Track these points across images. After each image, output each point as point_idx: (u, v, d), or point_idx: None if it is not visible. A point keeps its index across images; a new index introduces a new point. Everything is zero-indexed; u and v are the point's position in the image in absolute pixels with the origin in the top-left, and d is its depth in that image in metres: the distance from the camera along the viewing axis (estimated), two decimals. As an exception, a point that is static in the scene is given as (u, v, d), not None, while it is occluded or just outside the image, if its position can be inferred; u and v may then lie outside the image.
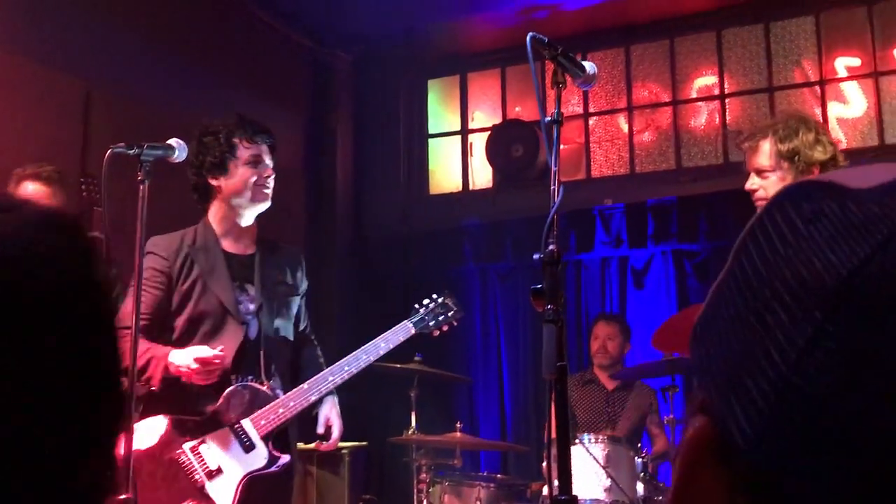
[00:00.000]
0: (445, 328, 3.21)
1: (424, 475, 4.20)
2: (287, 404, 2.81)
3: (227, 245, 2.95)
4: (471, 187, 6.52)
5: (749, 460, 0.45)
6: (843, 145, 5.28)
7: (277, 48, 6.06)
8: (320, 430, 2.96)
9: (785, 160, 2.80)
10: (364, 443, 4.82)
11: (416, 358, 4.35)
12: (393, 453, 4.89)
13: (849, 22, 5.74)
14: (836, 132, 5.58)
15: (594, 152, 6.24)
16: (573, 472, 3.89)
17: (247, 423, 2.76)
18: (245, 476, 2.71)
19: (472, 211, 6.28)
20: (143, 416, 2.75)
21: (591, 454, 3.94)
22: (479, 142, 6.45)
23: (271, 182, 2.97)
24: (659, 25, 6.07)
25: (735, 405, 0.46)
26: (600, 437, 4.12)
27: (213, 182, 2.88)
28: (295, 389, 2.85)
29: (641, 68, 6.19)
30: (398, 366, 4.32)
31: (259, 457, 2.75)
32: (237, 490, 2.69)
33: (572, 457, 3.92)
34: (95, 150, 4.41)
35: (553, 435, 1.96)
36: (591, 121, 6.29)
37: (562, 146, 6.86)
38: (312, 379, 2.87)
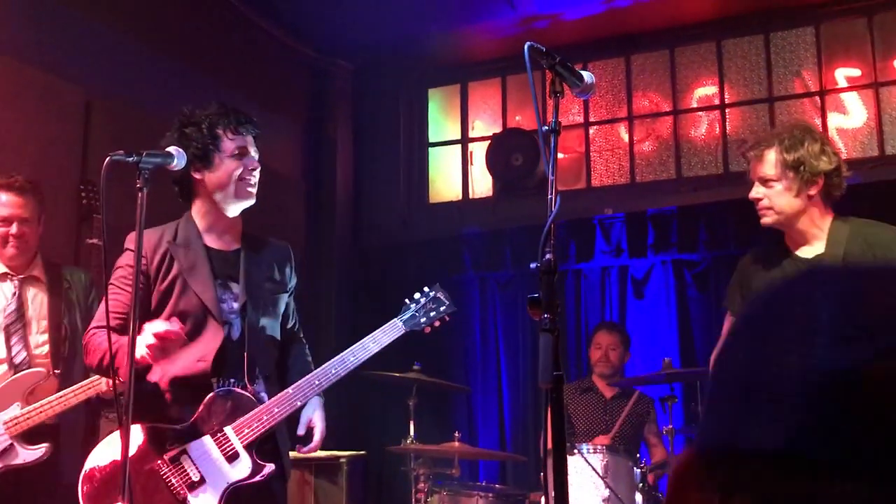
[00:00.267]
0: (438, 324, 3.00)
1: (422, 484, 4.18)
2: (271, 411, 2.65)
3: (210, 241, 2.80)
4: (471, 196, 6.53)
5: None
6: (844, 156, 5.28)
7: (278, 57, 6.07)
8: (301, 430, 2.81)
9: (790, 170, 2.80)
10: (362, 452, 4.81)
11: (415, 367, 4.34)
12: (391, 462, 4.88)
13: (849, 33, 5.75)
14: (836, 143, 5.58)
15: (594, 162, 6.24)
16: (572, 482, 3.89)
17: (229, 432, 2.62)
18: (228, 487, 2.59)
19: (471, 219, 6.28)
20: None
21: (589, 464, 3.92)
22: (479, 151, 6.46)
23: (257, 175, 2.81)
24: (659, 35, 6.09)
25: (763, 414, 0.47)
26: (599, 447, 4.10)
27: (196, 175, 2.72)
28: (279, 395, 2.69)
29: (642, 78, 6.20)
30: (397, 374, 4.32)
31: (243, 466, 2.61)
32: (221, 502, 2.57)
33: (571, 467, 3.93)
34: (95, 156, 4.42)
35: (550, 445, 1.95)
36: (592, 130, 6.29)
37: (562, 155, 6.90)
38: (297, 384, 2.71)
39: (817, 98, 5.78)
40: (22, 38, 4.28)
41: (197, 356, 2.63)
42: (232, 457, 2.60)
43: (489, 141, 6.28)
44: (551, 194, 1.92)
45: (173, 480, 2.56)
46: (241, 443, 2.62)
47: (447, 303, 3.03)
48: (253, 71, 5.81)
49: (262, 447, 2.68)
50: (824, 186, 2.83)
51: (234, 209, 2.79)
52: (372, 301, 5.86)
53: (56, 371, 3.39)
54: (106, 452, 2.59)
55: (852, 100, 5.72)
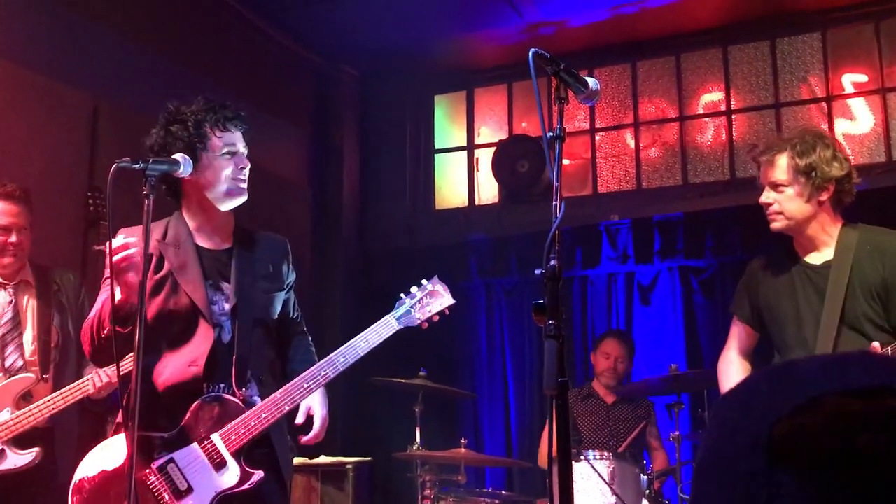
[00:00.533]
0: (436, 318, 2.83)
1: (429, 491, 4.18)
2: (258, 416, 2.55)
3: (201, 240, 2.70)
4: (476, 202, 6.53)
5: None
6: (851, 161, 5.27)
7: (284, 63, 6.09)
8: (300, 419, 2.71)
9: (802, 175, 2.79)
10: (368, 458, 4.80)
11: (421, 373, 4.34)
12: (397, 469, 4.87)
13: (855, 38, 5.74)
14: (844, 148, 5.56)
15: (601, 168, 6.24)
16: (579, 488, 3.88)
17: (216, 439, 2.53)
18: (216, 496, 2.51)
19: (477, 226, 6.28)
20: (113, 432, 2.57)
21: (595, 471, 3.91)
22: (485, 157, 6.46)
23: (247, 173, 2.68)
24: (665, 41, 6.09)
25: None
26: (605, 453, 4.09)
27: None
28: (267, 399, 2.58)
29: (648, 84, 6.20)
30: (403, 381, 4.32)
31: (231, 474, 2.53)
32: None
33: (578, 473, 3.92)
34: (102, 163, 4.43)
35: (555, 452, 1.95)
36: (598, 136, 6.29)
37: (568, 162, 6.89)
38: (285, 387, 2.60)
39: (824, 104, 5.77)
40: (29, 44, 4.30)
41: (188, 360, 2.56)
42: (220, 465, 2.53)
43: (495, 147, 6.29)
44: (556, 200, 1.92)
45: (160, 490, 2.49)
46: (229, 450, 2.54)
47: (445, 295, 2.87)
48: (259, 77, 5.83)
49: (257, 452, 2.60)
50: (834, 192, 2.82)
51: (224, 207, 2.69)
52: (377, 307, 5.85)
53: (45, 376, 3.39)
54: (94, 463, 2.54)
55: (859, 105, 5.71)
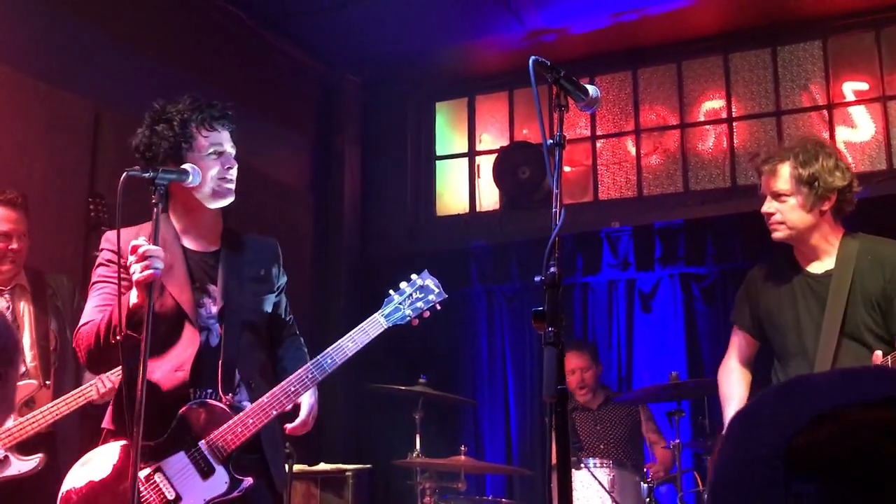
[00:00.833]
0: (427, 315, 2.73)
1: (428, 498, 4.17)
2: (245, 422, 2.49)
3: (189, 242, 2.64)
4: (478, 209, 6.53)
5: None
6: (852, 169, 5.27)
7: (287, 70, 6.11)
8: (286, 406, 2.60)
9: (804, 185, 2.79)
10: (368, 465, 4.79)
11: (421, 380, 4.34)
12: (397, 476, 4.86)
13: (856, 47, 5.75)
14: (845, 156, 5.57)
15: (601, 175, 6.25)
16: (579, 496, 3.87)
17: (204, 446, 2.48)
18: None
19: (478, 233, 6.29)
20: (102, 441, 2.52)
21: (596, 479, 3.91)
22: (486, 164, 6.47)
23: (234, 174, 2.62)
24: (666, 49, 6.10)
25: None
26: (605, 461, 4.09)
27: None
28: (254, 404, 2.52)
29: (649, 91, 6.21)
30: (403, 388, 4.31)
31: (219, 482, 2.47)
32: None
33: (578, 481, 3.91)
34: (104, 169, 4.45)
35: (554, 460, 1.95)
36: (599, 143, 6.30)
37: (569, 168, 6.88)
38: (272, 392, 2.53)
39: (825, 112, 5.77)
40: (32, 50, 4.31)
41: (174, 366, 2.51)
42: (207, 472, 2.47)
43: (496, 154, 6.29)
44: (556, 207, 1.92)
45: (148, 499, 2.44)
46: (216, 457, 2.48)
47: (436, 290, 2.75)
48: (262, 84, 5.84)
49: (246, 458, 2.55)
50: (836, 202, 2.82)
51: (211, 208, 2.63)
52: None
53: (47, 382, 3.39)
54: (81, 474, 2.49)
55: (860, 113, 5.71)
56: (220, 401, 2.53)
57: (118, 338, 2.35)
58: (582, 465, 4.02)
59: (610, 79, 6.28)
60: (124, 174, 2.33)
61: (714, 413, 3.84)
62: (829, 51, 5.79)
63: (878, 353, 2.64)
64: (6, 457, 3.18)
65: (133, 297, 2.34)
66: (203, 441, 2.49)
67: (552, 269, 1.87)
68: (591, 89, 2.16)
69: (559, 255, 1.90)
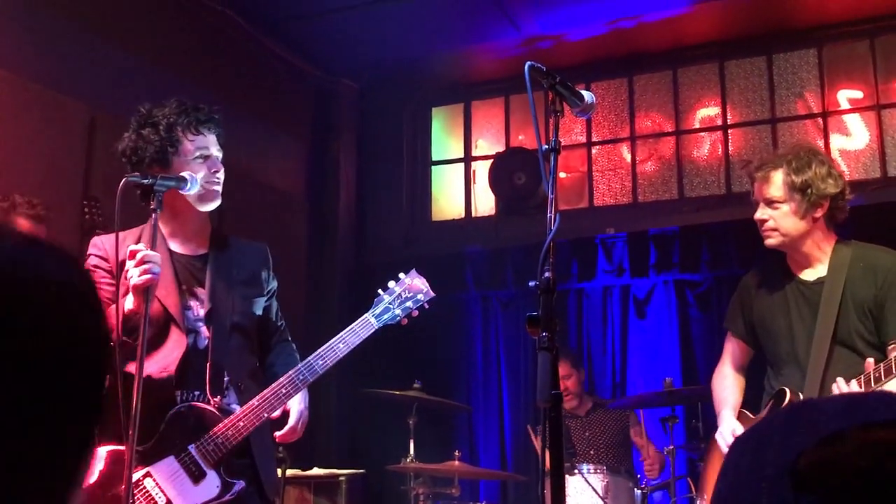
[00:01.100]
0: (416, 314, 2.72)
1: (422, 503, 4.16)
2: (236, 425, 2.46)
3: (176, 246, 2.63)
4: (473, 214, 6.54)
5: None
6: (847, 177, 5.28)
7: (283, 75, 6.11)
8: (275, 413, 2.58)
9: (797, 192, 2.80)
10: (361, 470, 4.78)
11: (416, 385, 4.33)
12: (391, 481, 4.85)
13: (851, 55, 5.78)
14: (839, 164, 5.59)
15: (597, 181, 6.26)
16: (573, 502, 3.86)
17: (193, 450, 2.45)
18: None
19: (474, 238, 6.29)
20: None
21: (589, 485, 3.90)
22: (482, 169, 6.48)
23: (220, 177, 2.59)
24: (662, 56, 6.12)
25: None
26: (599, 467, 4.09)
27: None
28: (244, 407, 2.50)
29: (644, 98, 6.23)
30: (397, 393, 4.31)
31: (210, 486, 2.44)
32: None
33: (571, 487, 3.91)
34: (98, 172, 4.44)
35: (548, 465, 1.95)
36: (594, 150, 6.31)
37: (564, 175, 6.88)
38: (262, 394, 2.51)
39: (820, 119, 5.79)
40: (27, 54, 4.31)
41: (160, 367, 2.48)
42: (198, 476, 2.44)
43: (492, 160, 6.30)
44: (551, 213, 1.93)
45: None
46: (207, 461, 2.45)
47: (425, 289, 2.75)
48: (258, 89, 5.84)
49: (237, 463, 2.53)
50: (828, 209, 2.83)
51: (198, 212, 2.62)
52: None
53: None
54: None
55: (855, 121, 5.73)
56: (209, 403, 2.51)
57: (112, 344, 2.33)
58: (576, 471, 4.02)
59: (606, 85, 6.30)
60: (124, 180, 2.34)
61: (708, 418, 3.84)
62: (823, 59, 5.81)
63: (870, 360, 2.65)
64: None
65: (129, 302, 2.34)
66: (193, 445, 2.46)
67: (547, 275, 1.87)
68: (587, 95, 2.17)
69: (554, 260, 1.90)
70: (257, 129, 5.75)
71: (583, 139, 6.32)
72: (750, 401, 3.11)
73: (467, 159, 6.65)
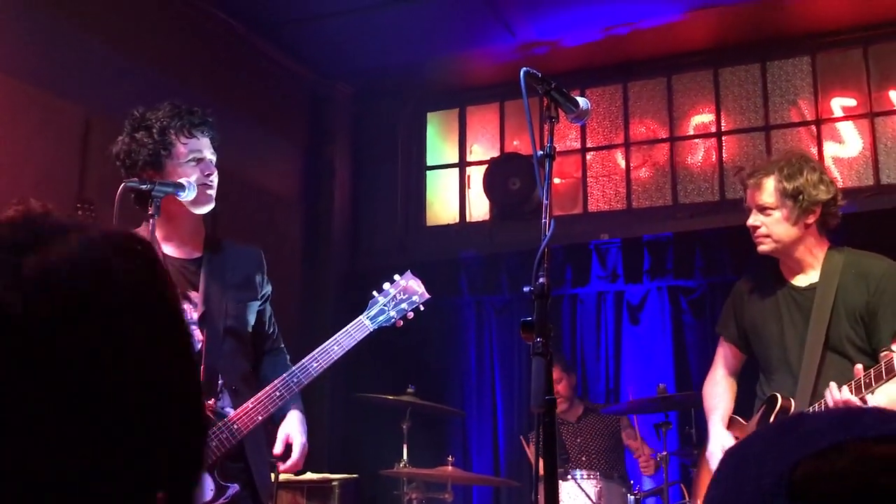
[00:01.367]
0: (411, 315, 2.72)
1: (415, 509, 4.16)
2: (231, 428, 2.46)
3: (170, 250, 2.63)
4: (468, 219, 6.54)
5: None
6: (840, 184, 5.31)
7: (278, 79, 6.11)
8: (278, 449, 2.59)
9: (789, 199, 2.81)
10: (355, 475, 4.77)
11: (409, 390, 4.33)
12: (384, 486, 4.85)
13: (845, 63, 5.80)
14: (832, 171, 5.62)
15: (591, 187, 6.27)
16: (565, 508, 3.86)
17: None
18: None
19: (468, 243, 6.29)
20: None
21: (583, 490, 3.90)
22: (476, 174, 6.48)
23: (214, 180, 2.59)
24: (657, 63, 6.14)
25: None
26: (592, 472, 4.09)
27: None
28: (238, 410, 2.49)
29: (639, 105, 6.25)
30: (390, 397, 4.31)
31: (204, 490, 2.43)
32: None
33: (565, 493, 3.91)
34: (93, 175, 4.43)
35: (542, 471, 1.95)
36: (589, 156, 6.32)
37: (559, 180, 6.89)
38: (256, 397, 2.50)
39: (813, 127, 5.82)
40: (22, 55, 4.30)
41: None
42: None
43: (487, 165, 6.31)
44: (545, 219, 1.93)
45: None
46: None
47: (420, 291, 2.74)
48: (253, 92, 5.84)
49: (231, 466, 2.51)
50: (821, 216, 2.85)
51: (192, 216, 2.62)
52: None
53: None
54: None
55: (848, 129, 5.76)
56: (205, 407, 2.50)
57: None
58: (569, 477, 4.02)
59: (600, 91, 6.32)
60: (122, 185, 2.35)
61: (701, 424, 3.85)
62: (817, 67, 5.84)
63: (859, 366, 2.65)
64: None
65: None
66: None
67: (541, 280, 1.88)
68: (582, 101, 2.18)
69: (548, 266, 1.91)
70: (252, 133, 5.75)
71: (577, 145, 6.33)
72: (742, 406, 3.12)
73: (462, 164, 6.66)
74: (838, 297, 2.80)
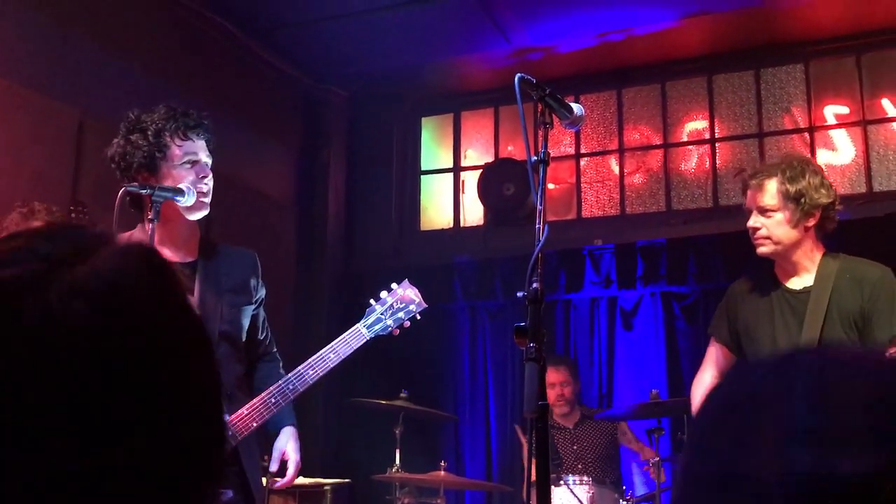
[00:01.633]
0: (408, 324, 2.72)
1: (407, 514, 4.15)
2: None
3: (165, 253, 2.55)
4: (462, 224, 6.55)
5: None
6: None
7: (273, 82, 6.11)
8: (274, 466, 2.59)
9: (791, 201, 2.82)
10: (347, 479, 4.76)
11: (402, 394, 4.33)
12: (376, 491, 4.84)
13: (838, 71, 5.83)
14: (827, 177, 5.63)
15: (585, 193, 6.28)
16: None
17: None
18: None
19: (462, 248, 6.29)
20: None
21: (575, 496, 3.90)
22: (471, 179, 6.49)
23: (209, 183, 2.56)
24: (651, 69, 6.16)
25: None
26: (584, 478, 4.09)
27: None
28: (233, 416, 2.49)
29: (633, 111, 6.27)
30: (383, 402, 4.30)
31: None
32: None
33: (557, 499, 3.91)
34: (87, 178, 4.42)
35: (534, 476, 1.95)
36: (583, 161, 6.34)
37: (553, 186, 6.90)
38: (251, 403, 2.49)
39: (806, 134, 5.84)
40: (16, 58, 4.29)
41: None
42: None
43: (481, 170, 6.32)
44: (539, 224, 1.94)
45: None
46: None
47: (417, 300, 2.74)
48: (248, 96, 5.84)
49: (226, 471, 2.45)
50: (819, 219, 2.86)
51: (187, 219, 2.59)
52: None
53: None
54: None
55: (841, 137, 5.78)
56: None
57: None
58: (561, 482, 4.01)
59: (595, 98, 6.33)
60: (122, 189, 2.34)
61: (694, 431, 3.85)
62: (811, 74, 5.87)
63: None
64: None
65: None
66: None
67: (535, 285, 1.88)
68: (576, 108, 2.19)
69: (542, 271, 1.91)
70: (247, 136, 5.75)
71: (571, 151, 6.35)
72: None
73: (456, 169, 6.67)
74: (832, 301, 2.81)
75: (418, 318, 2.75)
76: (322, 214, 6.38)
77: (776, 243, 2.86)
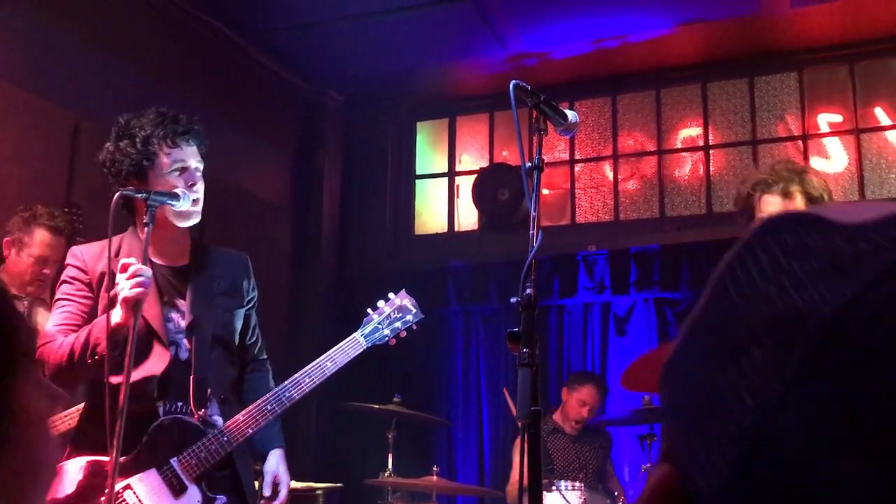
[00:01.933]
0: (404, 334, 2.72)
1: (400, 518, 4.15)
2: (220, 440, 2.44)
3: (156, 257, 2.58)
4: (456, 229, 6.55)
5: None
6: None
7: (269, 86, 6.11)
8: (267, 491, 2.59)
9: (812, 204, 2.83)
10: (339, 484, 4.76)
11: (395, 399, 4.32)
12: (368, 495, 4.83)
13: (831, 79, 5.86)
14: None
15: (579, 198, 6.30)
16: (549, 519, 3.86)
17: (175, 464, 2.42)
18: None
19: (457, 253, 6.30)
20: (66, 457, 2.42)
21: (567, 501, 3.91)
22: (465, 184, 6.50)
23: (198, 190, 2.52)
24: (646, 76, 6.18)
25: (701, 452, 0.40)
26: (577, 484, 4.09)
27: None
28: (228, 423, 2.49)
29: (627, 118, 6.29)
30: (376, 406, 4.30)
31: (191, 501, 2.41)
32: None
33: None
34: (81, 180, 4.42)
35: (526, 481, 1.95)
36: (577, 167, 6.35)
37: (547, 191, 6.91)
38: (247, 410, 2.49)
39: (800, 142, 5.87)
40: (12, 59, 4.29)
41: (142, 379, 2.43)
42: (179, 490, 2.41)
43: (476, 175, 6.33)
44: (533, 229, 1.94)
45: None
46: (189, 475, 2.42)
47: (414, 310, 2.75)
48: (244, 99, 5.84)
49: (218, 475, 2.50)
50: None
51: (177, 225, 2.56)
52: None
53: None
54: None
55: (834, 145, 5.81)
56: (192, 416, 2.49)
57: (96, 357, 2.31)
58: (553, 488, 4.02)
59: (589, 104, 6.35)
60: (118, 193, 2.33)
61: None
62: (804, 83, 5.90)
63: None
64: None
65: (116, 315, 2.30)
66: (175, 458, 2.44)
67: (528, 291, 1.89)
68: (570, 114, 2.20)
69: (536, 276, 1.92)
70: (243, 139, 5.75)
71: (566, 157, 6.36)
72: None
73: (451, 174, 6.68)
74: None
75: (415, 328, 2.75)
76: (317, 218, 6.38)
77: None
